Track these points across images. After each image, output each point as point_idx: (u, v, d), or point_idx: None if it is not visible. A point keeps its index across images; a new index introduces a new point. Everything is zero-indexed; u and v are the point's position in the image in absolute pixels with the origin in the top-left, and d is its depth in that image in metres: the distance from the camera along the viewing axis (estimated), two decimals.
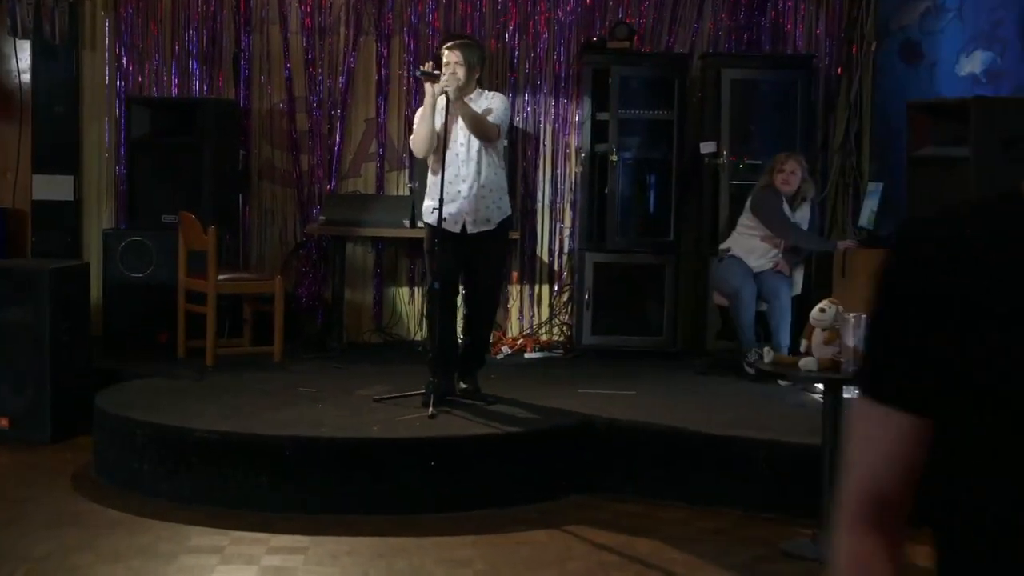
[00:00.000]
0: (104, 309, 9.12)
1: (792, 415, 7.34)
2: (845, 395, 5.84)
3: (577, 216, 9.41)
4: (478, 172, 7.20)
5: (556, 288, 9.80)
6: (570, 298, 9.75)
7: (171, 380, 7.98)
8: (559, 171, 9.78)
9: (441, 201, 7.10)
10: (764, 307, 8.48)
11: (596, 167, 9.31)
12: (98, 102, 9.66)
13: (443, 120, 7.13)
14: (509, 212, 7.42)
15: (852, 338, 5.54)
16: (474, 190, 7.18)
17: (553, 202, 9.79)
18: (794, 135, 9.09)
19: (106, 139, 9.69)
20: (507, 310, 9.80)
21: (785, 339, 8.36)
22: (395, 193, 9.72)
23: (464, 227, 7.24)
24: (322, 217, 9.16)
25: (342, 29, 9.69)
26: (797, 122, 9.10)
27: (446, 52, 7.22)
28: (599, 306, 9.27)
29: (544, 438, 6.93)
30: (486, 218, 7.25)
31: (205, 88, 9.67)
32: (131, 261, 9.01)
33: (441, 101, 7.12)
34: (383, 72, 9.67)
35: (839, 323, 5.72)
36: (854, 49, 9.58)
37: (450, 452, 6.64)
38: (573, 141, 9.71)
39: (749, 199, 8.59)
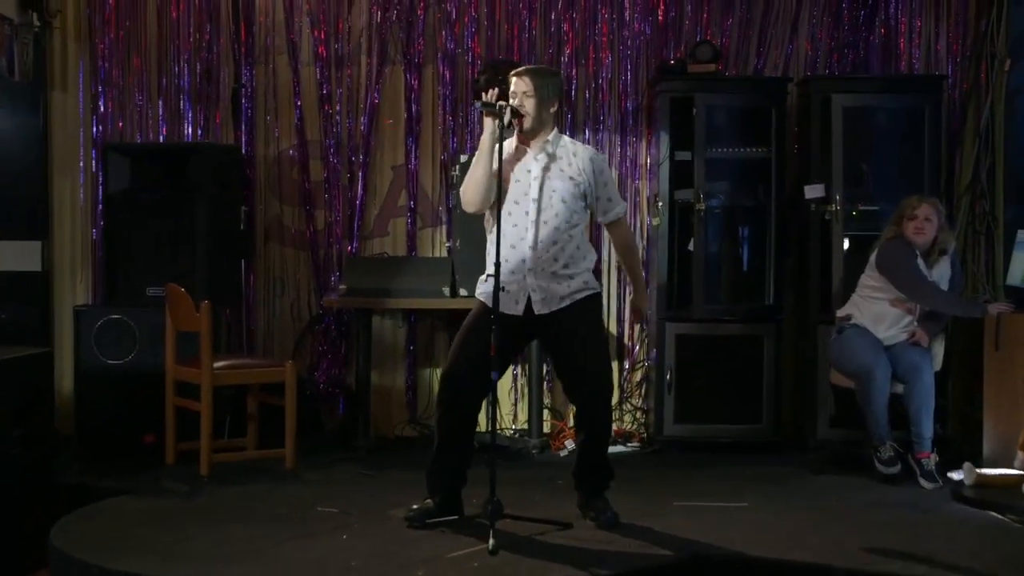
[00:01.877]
0: (76, 403, 7.47)
1: (962, 538, 5.63)
2: None
3: (654, 278, 7.69)
4: (554, 236, 5.60)
5: (627, 366, 8.08)
6: (645, 378, 8.02)
7: (155, 499, 6.27)
8: (628, 223, 8.05)
9: (498, 269, 5.44)
10: (899, 388, 6.74)
11: (676, 218, 7.61)
12: (70, 152, 8.06)
13: (499, 165, 5.61)
14: (596, 288, 5.78)
15: None
16: (547, 262, 5.61)
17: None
18: (921, 174, 7.40)
19: (80, 196, 8.08)
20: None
21: (928, 429, 6.69)
22: (430, 255, 8.04)
23: (529, 307, 5.63)
24: (342, 286, 7.47)
25: (363, 58, 8.05)
26: (925, 158, 7.39)
27: (513, 80, 5.69)
28: (683, 388, 7.57)
29: None
30: (558, 295, 5.61)
31: (199, 132, 8.04)
32: (109, 344, 7.35)
33: (508, 144, 5.66)
34: (413, 109, 8.02)
35: None
36: (983, 69, 7.88)
37: None
38: (645, 187, 8.03)
39: (873, 254, 6.90)
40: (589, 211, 5.76)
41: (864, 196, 7.50)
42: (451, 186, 7.79)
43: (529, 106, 5.60)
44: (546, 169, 5.61)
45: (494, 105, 5.53)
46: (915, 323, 6.85)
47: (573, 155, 5.69)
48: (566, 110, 7.91)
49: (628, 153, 8.05)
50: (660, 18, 8.04)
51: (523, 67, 5.89)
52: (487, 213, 5.66)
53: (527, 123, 5.60)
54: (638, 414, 8.01)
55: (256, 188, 8.08)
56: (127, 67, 8.05)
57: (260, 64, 8.06)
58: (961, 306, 6.91)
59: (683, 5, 8.06)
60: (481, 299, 5.66)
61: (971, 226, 7.92)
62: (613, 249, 7.41)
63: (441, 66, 8.02)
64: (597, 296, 5.75)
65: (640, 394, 8.05)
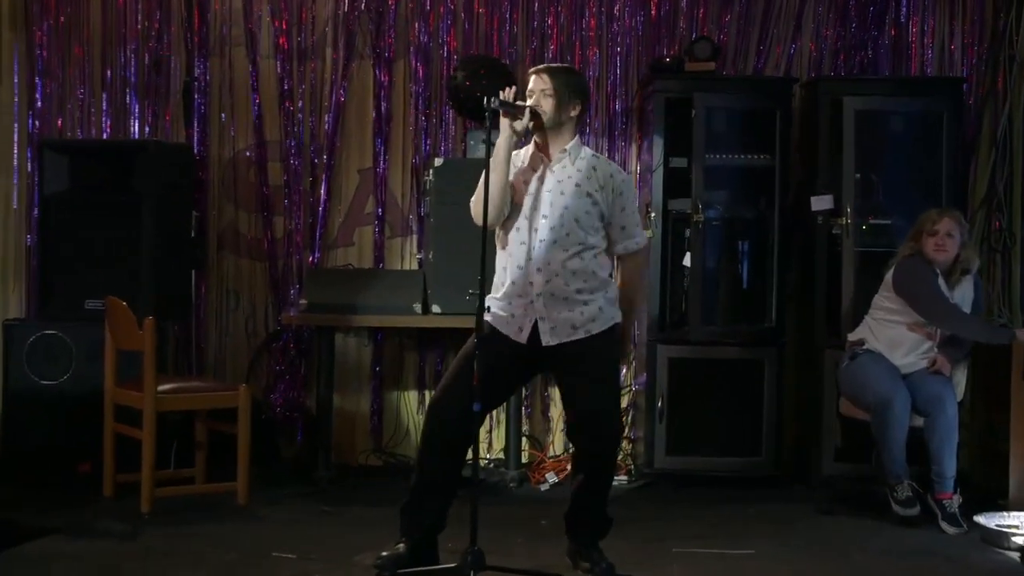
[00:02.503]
0: (4, 427, 6.76)
1: None
2: None
3: (645, 295, 7.02)
4: (565, 259, 4.94)
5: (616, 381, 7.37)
6: (632, 404, 7.36)
7: (89, 541, 5.57)
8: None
9: (482, 286, 4.82)
10: (918, 421, 6.10)
11: (670, 229, 6.95)
12: (3, 150, 7.30)
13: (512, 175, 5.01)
14: (615, 318, 5.08)
15: None
16: (556, 286, 4.94)
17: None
18: (938, 185, 6.79)
19: (13, 199, 7.32)
20: (548, 419, 7.42)
21: (951, 467, 6.08)
22: (400, 267, 7.37)
23: (535, 336, 4.95)
24: (303, 301, 6.77)
25: (328, 51, 7.36)
26: (943, 167, 6.76)
27: (532, 78, 5.05)
28: (676, 416, 6.91)
29: None
30: (570, 324, 4.94)
31: (147, 129, 7.32)
32: (42, 362, 6.67)
33: (523, 151, 5.09)
34: (383, 107, 7.33)
35: None
36: (1000, 73, 7.27)
37: None
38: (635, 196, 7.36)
39: (889, 272, 6.28)
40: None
41: (875, 208, 6.87)
42: (423, 192, 7.12)
43: (547, 106, 4.95)
44: (561, 182, 4.95)
45: (513, 104, 4.90)
46: (935, 349, 6.22)
47: (593, 169, 5.02)
48: None
49: (617, 159, 7.39)
50: (653, 12, 7.39)
51: (543, 64, 5.27)
52: (497, 229, 5.02)
53: (545, 125, 4.94)
54: (625, 444, 7.32)
55: (209, 192, 7.36)
56: (67, 57, 7.32)
57: (215, 56, 7.35)
58: (987, 331, 6.27)
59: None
60: (488, 321, 4.99)
61: (986, 242, 7.31)
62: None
63: (414, 61, 7.34)
64: (616, 328, 5.06)
65: (627, 422, 7.38)
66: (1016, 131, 7.25)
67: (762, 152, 6.88)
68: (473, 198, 4.96)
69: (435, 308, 6.70)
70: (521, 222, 4.93)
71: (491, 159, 4.84)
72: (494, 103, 4.86)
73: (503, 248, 4.99)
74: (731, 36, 7.39)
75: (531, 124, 4.93)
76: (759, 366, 6.88)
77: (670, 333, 6.94)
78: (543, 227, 4.91)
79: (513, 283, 4.90)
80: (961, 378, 6.29)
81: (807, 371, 7.01)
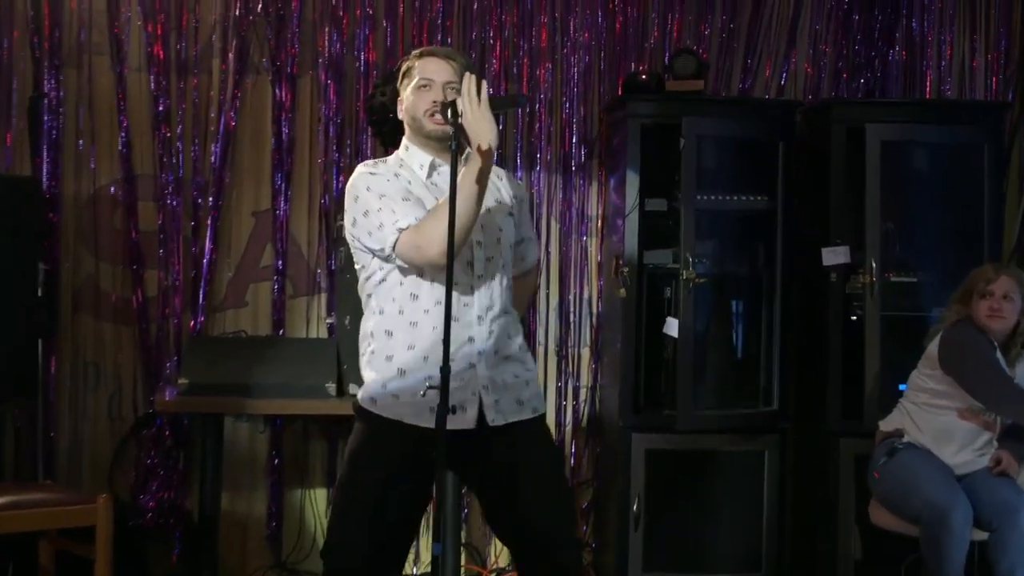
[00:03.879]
0: None
1: None
2: None
3: (614, 371, 5.64)
4: (501, 300, 3.66)
5: (570, 487, 5.96)
6: (593, 504, 5.96)
7: None
8: (573, 295, 6.04)
9: (446, 365, 3.32)
10: (980, 535, 4.78)
11: (645, 288, 5.57)
12: None
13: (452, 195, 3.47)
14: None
15: None
16: (499, 340, 3.65)
17: (563, 346, 6.03)
18: (978, 232, 5.50)
19: None
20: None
21: None
22: (306, 334, 5.88)
23: (481, 417, 3.58)
24: (182, 380, 5.26)
25: (216, 63, 5.88)
26: (984, 211, 5.48)
27: (430, 64, 3.69)
28: (656, 523, 5.53)
29: None
30: (515, 396, 3.66)
31: None
32: None
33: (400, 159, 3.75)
34: (284, 134, 5.87)
35: None
36: None
37: None
38: (595, 248, 6.00)
39: (932, 344, 4.97)
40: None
41: (902, 263, 5.56)
42: (334, 240, 5.67)
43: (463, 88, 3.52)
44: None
45: (516, 97, 3.93)
46: (995, 443, 4.92)
47: (498, 178, 3.76)
48: None
49: (574, 200, 6.01)
50: (618, 24, 6.03)
51: (438, 47, 3.93)
52: (376, 275, 3.66)
53: (466, 114, 3.46)
54: (585, 554, 5.90)
55: (62, 238, 5.78)
56: None
57: (70, 67, 5.80)
58: None
59: (647, 8, 6.09)
60: (383, 414, 3.60)
61: None
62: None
63: (323, 76, 5.88)
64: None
65: (588, 524, 5.96)
66: None
67: (760, 192, 5.55)
68: (423, 234, 3.50)
69: (353, 388, 5.24)
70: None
71: (463, 185, 3.42)
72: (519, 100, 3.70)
73: (406, 298, 3.60)
74: (712, 52, 6.08)
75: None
76: (757, 459, 5.55)
77: (646, 418, 5.55)
78: (480, 260, 3.60)
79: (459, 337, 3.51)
80: None
81: (818, 465, 5.64)
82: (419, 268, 3.54)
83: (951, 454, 4.90)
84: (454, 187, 3.32)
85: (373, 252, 3.59)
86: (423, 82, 3.62)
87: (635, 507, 5.49)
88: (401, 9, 5.93)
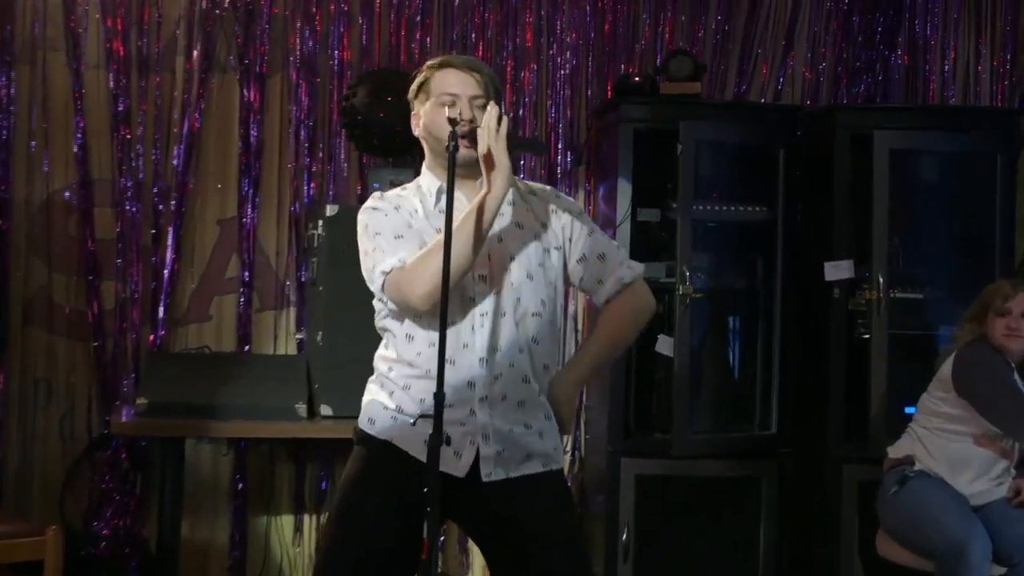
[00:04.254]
0: None
1: None
2: None
3: (602, 392, 5.31)
4: (518, 339, 3.24)
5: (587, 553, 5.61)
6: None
7: None
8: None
9: (440, 402, 2.97)
10: (998, 570, 4.46)
11: None
12: None
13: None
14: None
15: None
16: (510, 384, 3.23)
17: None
18: (991, 246, 5.20)
19: None
20: (466, 552, 5.65)
21: None
22: (274, 351, 5.54)
23: (476, 468, 3.21)
24: (141, 399, 4.89)
25: (180, 61, 5.52)
26: (997, 224, 5.18)
27: (450, 77, 3.27)
28: (647, 552, 5.17)
29: None
30: (524, 450, 3.25)
31: None
32: None
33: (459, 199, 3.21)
34: (252, 137, 5.53)
35: None
36: None
37: None
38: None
39: (945, 365, 4.65)
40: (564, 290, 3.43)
41: (911, 278, 5.25)
42: (306, 251, 5.32)
43: (484, 120, 3.15)
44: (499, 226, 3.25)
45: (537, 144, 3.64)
46: (1012, 471, 4.61)
47: (532, 194, 3.36)
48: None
49: None
50: (607, 26, 5.71)
51: (456, 56, 3.41)
52: (382, 311, 3.31)
53: (481, 148, 3.13)
54: None
55: (12, 246, 5.41)
56: None
57: (23, 64, 5.44)
58: None
59: (638, 8, 5.77)
60: (381, 437, 3.25)
61: None
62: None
63: (294, 76, 5.54)
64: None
65: None
66: None
67: (760, 202, 5.23)
68: (417, 262, 3.15)
69: (324, 410, 4.89)
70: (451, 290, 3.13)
71: (462, 224, 3.08)
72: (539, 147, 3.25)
73: (403, 339, 3.25)
74: (706, 54, 5.77)
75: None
76: (754, 485, 5.23)
77: (636, 443, 5.22)
78: (486, 296, 3.22)
79: (445, 383, 3.06)
80: None
81: (819, 493, 5.31)
82: (411, 310, 3.19)
83: (966, 483, 4.57)
84: (449, 225, 2.98)
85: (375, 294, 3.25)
86: (446, 99, 3.22)
87: (624, 538, 5.15)
88: (378, 5, 5.60)
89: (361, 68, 5.50)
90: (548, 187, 3.45)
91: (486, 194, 3.06)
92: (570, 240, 3.31)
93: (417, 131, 3.33)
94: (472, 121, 3.15)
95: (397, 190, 3.35)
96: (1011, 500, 4.56)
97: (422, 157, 3.35)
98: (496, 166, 3.05)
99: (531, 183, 3.41)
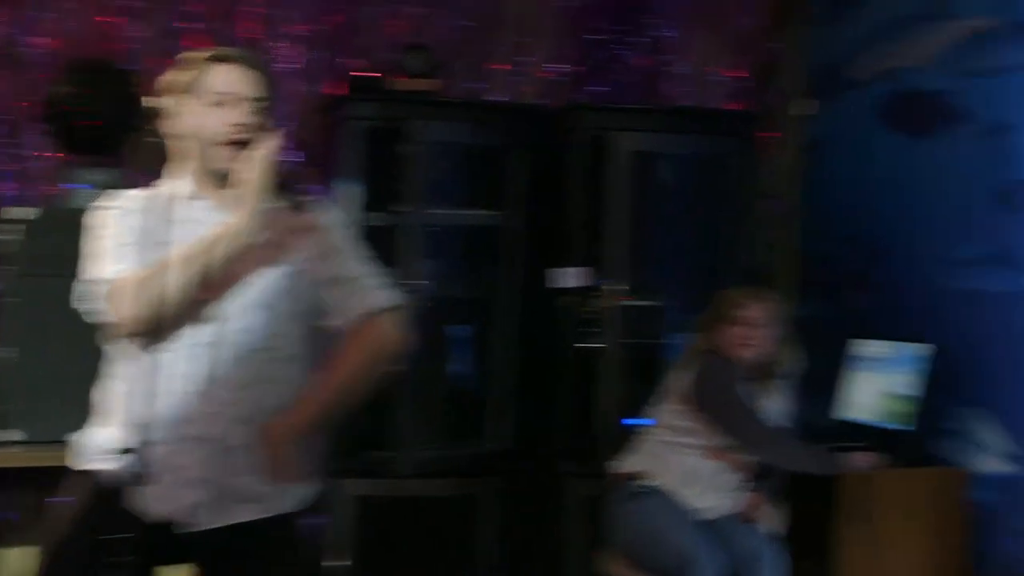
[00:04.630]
0: None
1: None
2: None
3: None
4: (244, 370, 2.89)
5: None
6: None
7: None
8: None
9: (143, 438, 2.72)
10: None
11: None
12: None
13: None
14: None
15: None
16: (229, 414, 2.86)
17: None
18: (729, 250, 5.10)
19: None
20: None
21: None
22: None
23: (188, 512, 2.84)
24: None
25: None
26: (733, 227, 5.09)
27: (223, 74, 2.88)
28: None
29: None
30: (240, 495, 2.86)
31: None
32: None
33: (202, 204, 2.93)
34: None
35: None
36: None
37: None
38: None
39: (681, 377, 4.53)
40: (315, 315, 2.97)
41: (646, 283, 5.10)
42: None
43: (255, 124, 2.83)
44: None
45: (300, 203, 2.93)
46: (745, 485, 4.49)
47: (288, 208, 2.91)
48: None
49: None
50: (337, 17, 5.41)
51: (225, 49, 2.95)
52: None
53: (245, 175, 2.80)
54: None
55: None
56: None
57: None
58: (813, 459, 4.52)
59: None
60: (86, 469, 2.90)
61: None
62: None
63: None
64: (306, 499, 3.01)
65: None
66: (792, 187, 5.66)
67: (492, 206, 5.01)
68: (129, 286, 2.78)
69: (16, 435, 4.43)
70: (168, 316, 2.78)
71: (198, 248, 2.77)
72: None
73: (108, 364, 2.88)
74: (442, 51, 5.52)
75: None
76: (469, 504, 4.97)
77: (357, 459, 4.91)
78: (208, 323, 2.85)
79: (145, 423, 2.71)
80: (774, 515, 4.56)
81: (543, 511, 5.08)
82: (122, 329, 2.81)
83: (698, 495, 4.42)
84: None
85: None
86: (220, 98, 2.84)
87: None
88: None
89: (69, 59, 5.03)
90: (309, 197, 2.94)
91: (230, 224, 2.74)
92: (321, 260, 2.93)
93: (173, 130, 2.90)
94: (248, 127, 2.81)
95: (141, 191, 2.95)
96: (741, 515, 4.45)
97: (158, 158, 2.96)
98: (247, 201, 2.73)
99: (289, 193, 2.99)
